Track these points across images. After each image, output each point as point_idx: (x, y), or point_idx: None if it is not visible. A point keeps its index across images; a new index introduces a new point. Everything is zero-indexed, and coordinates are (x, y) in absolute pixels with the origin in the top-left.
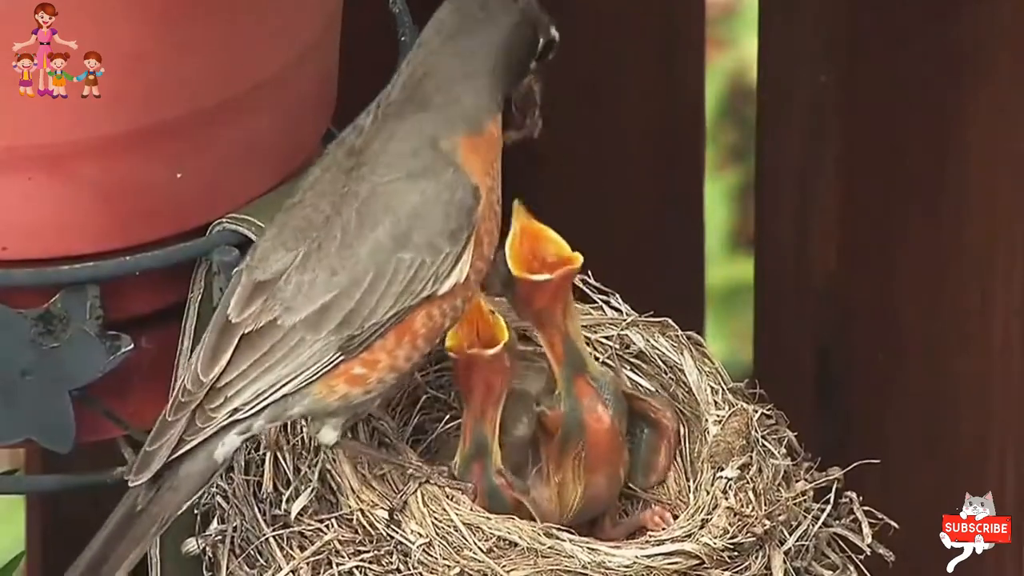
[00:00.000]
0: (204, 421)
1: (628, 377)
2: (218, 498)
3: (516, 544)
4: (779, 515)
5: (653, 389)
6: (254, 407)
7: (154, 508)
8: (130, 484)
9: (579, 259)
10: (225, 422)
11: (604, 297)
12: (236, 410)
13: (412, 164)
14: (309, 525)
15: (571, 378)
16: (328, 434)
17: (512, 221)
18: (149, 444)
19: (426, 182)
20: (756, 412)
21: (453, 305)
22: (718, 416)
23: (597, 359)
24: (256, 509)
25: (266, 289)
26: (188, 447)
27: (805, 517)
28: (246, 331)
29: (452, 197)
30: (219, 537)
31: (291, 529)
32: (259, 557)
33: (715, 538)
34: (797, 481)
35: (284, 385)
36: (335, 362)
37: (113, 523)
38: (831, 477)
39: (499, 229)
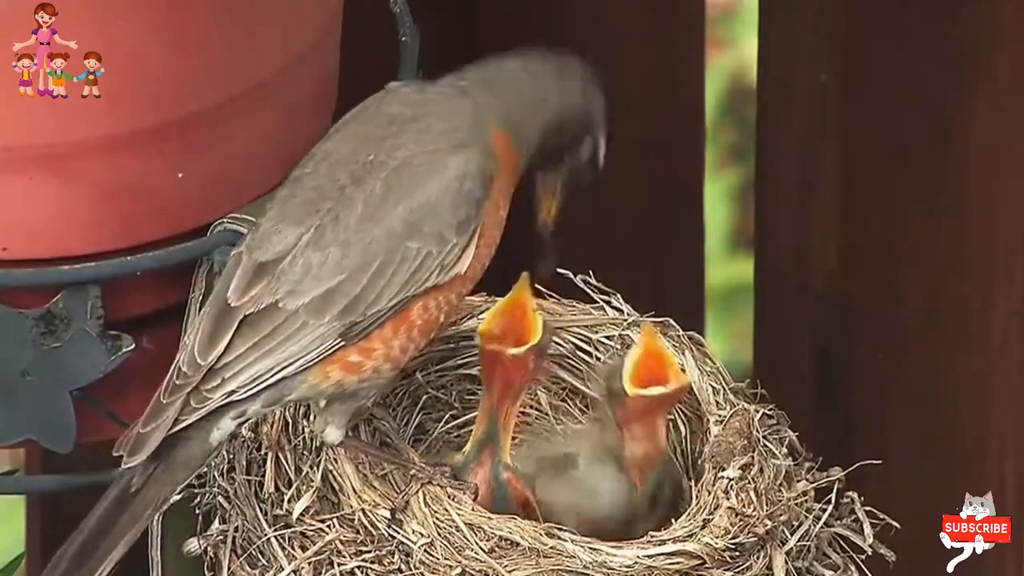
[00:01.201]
0: (199, 402)
1: None
2: (220, 498)
3: (518, 544)
4: (780, 515)
5: None
6: (251, 390)
7: (150, 490)
8: (123, 465)
9: (688, 379)
10: (220, 403)
11: (605, 297)
12: (232, 392)
13: (453, 137)
14: (311, 525)
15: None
16: (333, 433)
17: (637, 341)
18: (143, 425)
19: (445, 162)
20: (757, 412)
21: (448, 299)
22: (719, 416)
23: (598, 359)
24: (258, 509)
25: (269, 270)
26: (181, 427)
27: (806, 517)
28: (247, 314)
29: (461, 187)
30: (221, 537)
31: (293, 529)
32: (260, 557)
33: (717, 538)
34: (798, 481)
35: (283, 369)
36: (335, 348)
37: (105, 506)
38: (832, 477)
39: (497, 243)
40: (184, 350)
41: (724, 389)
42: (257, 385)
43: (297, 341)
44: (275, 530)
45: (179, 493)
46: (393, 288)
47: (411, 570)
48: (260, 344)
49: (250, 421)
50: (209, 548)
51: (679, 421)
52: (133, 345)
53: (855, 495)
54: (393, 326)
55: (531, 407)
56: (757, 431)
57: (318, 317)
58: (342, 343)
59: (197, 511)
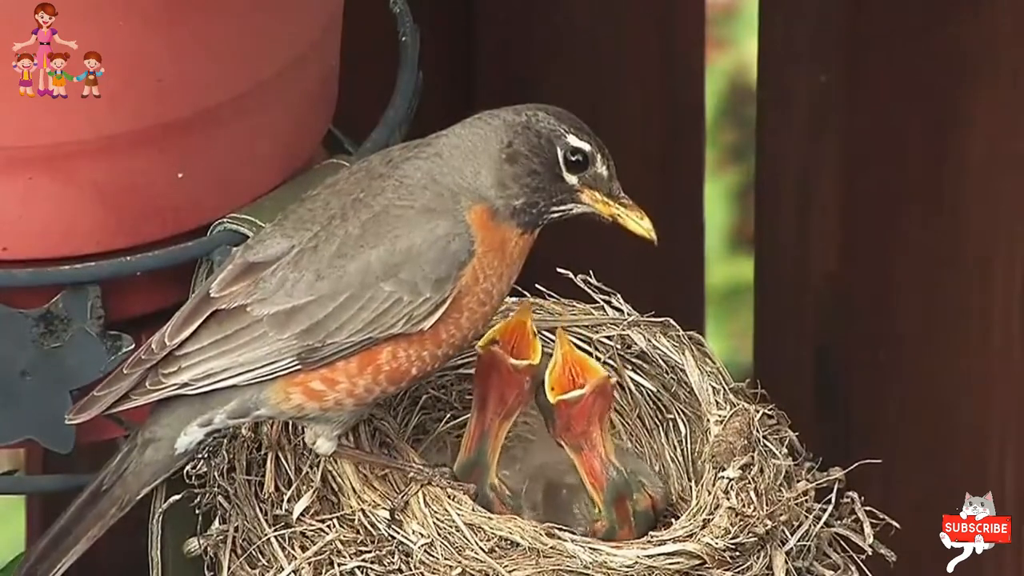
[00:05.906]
0: (153, 384)
1: (630, 378)
2: (219, 498)
3: (518, 544)
4: (781, 515)
5: (654, 389)
6: (203, 387)
7: (117, 490)
8: (66, 421)
9: (611, 378)
10: (172, 393)
11: (605, 297)
12: (186, 384)
13: (430, 200)
14: (311, 525)
15: (613, 503)
16: (324, 445)
17: (554, 350)
18: (98, 390)
19: (434, 222)
20: (757, 412)
21: (420, 354)
22: (719, 416)
23: (598, 359)
24: (258, 509)
25: (254, 272)
26: (131, 405)
27: (806, 517)
28: (219, 308)
29: (448, 246)
30: (221, 537)
31: (293, 529)
32: (260, 557)
33: (717, 538)
34: (798, 481)
35: (236, 375)
36: (290, 369)
37: (79, 501)
38: (832, 477)
39: (485, 325)
40: (161, 330)
41: (724, 389)
42: (210, 383)
43: (254, 349)
44: (275, 530)
45: (142, 496)
46: (356, 324)
47: (411, 570)
48: (220, 343)
49: (219, 432)
50: (209, 548)
51: (679, 421)
52: (133, 345)
53: (855, 495)
54: (360, 363)
55: (532, 411)
56: (757, 431)
57: (279, 331)
58: (298, 365)
59: (197, 511)
